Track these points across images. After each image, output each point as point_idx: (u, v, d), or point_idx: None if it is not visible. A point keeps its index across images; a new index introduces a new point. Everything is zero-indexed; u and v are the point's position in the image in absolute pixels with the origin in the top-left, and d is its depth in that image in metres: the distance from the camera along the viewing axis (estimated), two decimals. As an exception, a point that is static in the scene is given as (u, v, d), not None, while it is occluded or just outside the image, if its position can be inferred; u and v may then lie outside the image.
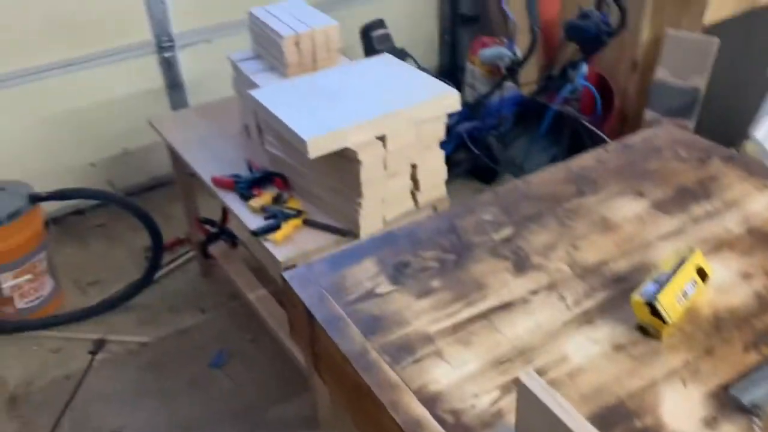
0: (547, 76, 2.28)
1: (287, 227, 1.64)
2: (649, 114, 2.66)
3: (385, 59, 1.82)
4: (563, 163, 1.32)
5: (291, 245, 1.61)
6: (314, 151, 1.46)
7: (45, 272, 2.31)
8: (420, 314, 0.97)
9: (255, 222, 1.68)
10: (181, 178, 2.31)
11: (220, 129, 2.14)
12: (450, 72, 3.66)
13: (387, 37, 2.89)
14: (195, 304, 2.41)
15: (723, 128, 2.81)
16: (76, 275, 2.57)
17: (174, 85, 2.87)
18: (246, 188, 1.78)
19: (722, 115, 2.65)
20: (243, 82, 1.94)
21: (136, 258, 2.64)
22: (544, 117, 2.47)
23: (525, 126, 2.69)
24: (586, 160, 1.33)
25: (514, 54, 2.21)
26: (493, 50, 2.24)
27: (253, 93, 1.65)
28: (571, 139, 2.73)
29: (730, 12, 2.53)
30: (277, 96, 1.65)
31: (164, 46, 2.76)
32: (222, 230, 2.35)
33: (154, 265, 2.37)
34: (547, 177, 1.28)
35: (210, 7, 2.81)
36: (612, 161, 1.31)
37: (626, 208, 1.17)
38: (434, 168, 1.69)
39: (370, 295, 1.01)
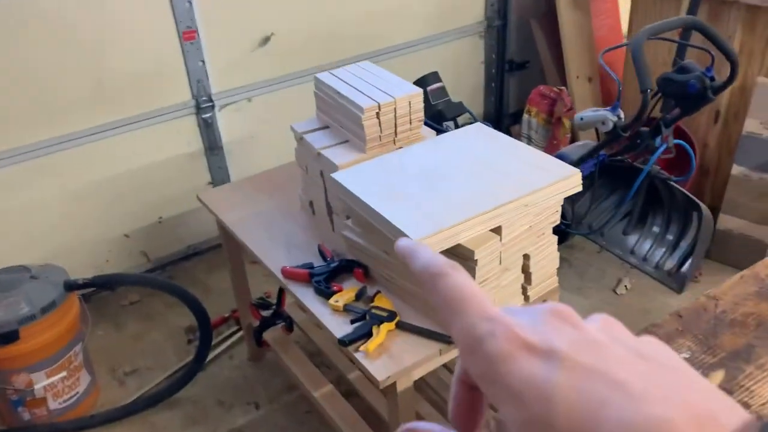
0: (637, 133, 2.05)
1: (380, 333, 1.39)
2: (737, 169, 2.42)
3: (478, 129, 1.59)
4: (749, 271, 1.07)
5: (386, 357, 1.36)
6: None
7: (81, 367, 2.06)
8: None
9: (339, 326, 1.44)
10: (232, 257, 2.07)
11: (278, 205, 1.90)
12: (496, 120, 3.45)
13: (443, 91, 2.68)
14: (247, 396, 2.15)
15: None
16: (112, 363, 2.31)
17: (213, 148, 2.65)
18: (324, 282, 1.54)
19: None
20: (310, 156, 1.72)
21: (176, 341, 2.39)
22: (631, 179, 2.24)
23: (608, 188, 2.47)
24: (771, 264, 1.08)
25: (619, 118, 1.98)
26: (594, 113, 2.01)
27: (338, 178, 1.42)
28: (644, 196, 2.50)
29: (827, 57, 2.31)
30: (363, 179, 1.42)
31: (203, 106, 2.55)
32: (278, 314, 2.10)
33: (201, 354, 2.12)
34: (737, 291, 1.03)
35: (249, 63, 2.61)
36: (807, 267, 1.07)
37: None
38: (547, 257, 1.45)
39: None
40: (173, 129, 2.55)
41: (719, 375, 0.90)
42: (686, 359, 0.93)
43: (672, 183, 2.30)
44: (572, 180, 1.36)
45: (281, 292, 2.08)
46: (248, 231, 1.80)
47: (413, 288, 1.45)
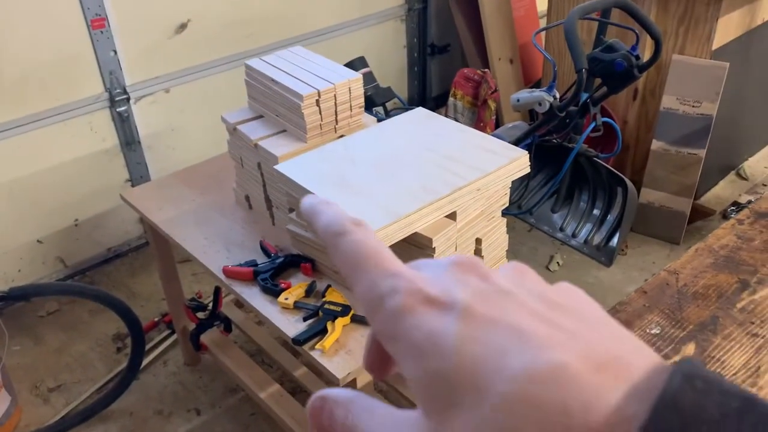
0: (566, 113, 2.08)
1: (335, 329, 1.34)
2: (656, 144, 2.52)
3: (421, 114, 1.56)
4: (702, 244, 1.10)
5: (344, 353, 1.31)
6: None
7: (0, 387, 1.90)
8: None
9: (291, 324, 1.38)
10: (162, 259, 1.95)
11: (211, 201, 1.81)
12: (420, 104, 3.44)
13: (371, 76, 2.64)
14: (186, 403, 2.04)
15: (723, 150, 2.72)
16: (33, 379, 2.14)
17: (130, 143, 2.49)
18: (270, 279, 1.47)
19: (721, 137, 2.55)
20: (245, 148, 1.63)
21: (104, 350, 2.25)
22: (559, 158, 2.28)
23: (535, 167, 2.51)
24: (723, 237, 1.11)
25: (555, 98, 2.00)
26: (530, 94, 2.02)
27: (282, 169, 1.35)
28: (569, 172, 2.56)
29: (734, 35, 2.43)
30: (308, 170, 1.36)
31: (117, 99, 2.39)
32: (215, 315, 2.00)
33: (135, 362, 1.99)
34: (694, 264, 1.05)
35: (165, 52, 2.46)
36: (755, 236, 1.11)
37: (812, 303, 0.96)
38: (497, 239, 1.44)
39: None
40: (85, 124, 2.38)
41: (690, 348, 0.91)
42: (657, 335, 0.93)
43: (597, 160, 2.36)
44: (521, 162, 1.35)
45: (218, 292, 1.99)
46: (181, 230, 1.69)
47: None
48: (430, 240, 1.21)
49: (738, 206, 2.71)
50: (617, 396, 0.21)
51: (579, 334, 0.24)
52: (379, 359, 0.31)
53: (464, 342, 0.24)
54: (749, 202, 2.71)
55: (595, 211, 2.62)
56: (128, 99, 2.42)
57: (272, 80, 1.56)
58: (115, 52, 2.33)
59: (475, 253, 1.40)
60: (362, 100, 1.57)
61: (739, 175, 2.89)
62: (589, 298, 0.27)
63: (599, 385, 0.22)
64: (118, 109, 2.41)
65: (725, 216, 2.68)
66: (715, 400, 0.20)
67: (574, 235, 2.64)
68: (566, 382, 0.22)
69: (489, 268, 0.28)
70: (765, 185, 2.84)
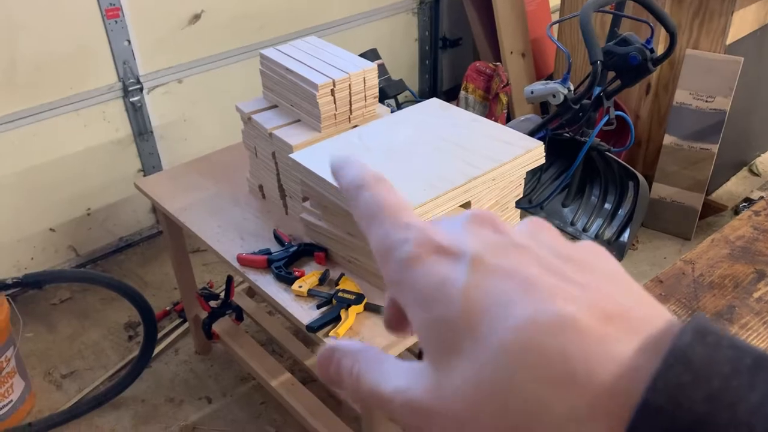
0: (579, 106, 2.08)
1: (349, 317, 1.35)
2: (668, 139, 2.51)
3: (435, 105, 1.56)
4: (718, 234, 1.10)
5: (358, 341, 1.32)
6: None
7: (13, 372, 1.91)
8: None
9: (305, 312, 1.38)
10: (174, 248, 1.96)
11: (224, 191, 1.82)
12: (432, 97, 3.44)
13: (383, 69, 2.64)
14: (198, 391, 2.06)
15: (735, 145, 2.71)
16: (46, 366, 2.16)
17: (143, 133, 2.51)
18: (284, 267, 1.48)
19: (733, 132, 2.54)
20: (260, 138, 1.64)
21: (116, 338, 2.26)
22: (570, 151, 2.28)
23: (546, 161, 2.50)
24: (739, 228, 1.11)
25: (569, 90, 1.99)
26: (544, 86, 2.02)
27: (298, 158, 1.36)
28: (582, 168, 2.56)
29: (749, 30, 2.42)
30: (323, 159, 1.36)
31: (131, 89, 2.40)
32: (227, 304, 2.01)
33: (147, 350, 2.01)
34: (710, 254, 1.05)
35: (179, 42, 2.47)
36: (772, 227, 1.11)
37: (829, 293, 0.96)
38: (510, 231, 1.45)
39: None
40: (99, 114, 2.39)
41: (707, 337, 0.91)
42: (673, 324, 0.93)
43: (609, 154, 2.36)
44: (536, 152, 1.35)
45: (230, 281, 2.00)
46: (195, 219, 1.70)
47: (377, 268, 1.41)
48: (445, 229, 1.22)
49: (750, 202, 2.70)
50: (625, 348, 0.21)
51: (590, 288, 0.23)
52: (397, 316, 0.31)
53: (470, 290, 0.24)
54: (761, 198, 2.70)
55: (607, 206, 2.61)
56: (141, 89, 2.43)
57: (287, 69, 1.56)
58: (129, 42, 2.34)
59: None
60: (377, 90, 1.58)
61: (751, 171, 2.87)
62: (610, 256, 0.26)
63: (605, 336, 0.22)
64: (131, 99, 2.42)
65: (737, 212, 2.67)
66: (726, 355, 0.20)
67: (584, 230, 2.64)
68: (570, 332, 0.22)
69: (505, 222, 0.28)
70: (777, 181, 2.83)
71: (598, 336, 0.22)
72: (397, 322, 0.32)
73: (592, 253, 0.26)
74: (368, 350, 0.28)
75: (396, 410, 0.25)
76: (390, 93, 2.61)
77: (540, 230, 0.28)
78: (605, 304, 0.23)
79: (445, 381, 0.24)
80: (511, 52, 2.98)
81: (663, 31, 2.16)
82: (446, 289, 0.24)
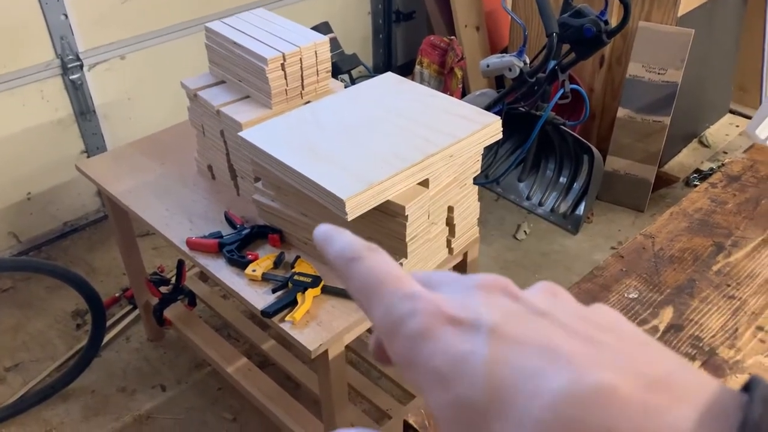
0: (534, 80, 2.06)
1: (305, 300, 1.31)
2: (622, 112, 2.52)
3: (390, 79, 1.52)
4: (677, 207, 1.09)
5: (315, 324, 1.28)
6: (354, 211, 1.14)
7: (-48, 368, 1.82)
8: None
9: (259, 296, 1.34)
10: (121, 232, 1.88)
11: (171, 171, 1.74)
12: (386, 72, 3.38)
13: (336, 43, 2.57)
14: (151, 379, 1.99)
15: (686, 117, 2.74)
16: (-12, 359, 2.06)
17: (84, 113, 2.39)
18: (236, 251, 1.42)
19: (685, 104, 2.57)
20: (207, 115, 1.57)
21: (62, 327, 2.17)
22: (525, 126, 2.26)
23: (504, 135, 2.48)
24: (697, 200, 1.11)
25: (525, 63, 1.96)
26: (499, 59, 1.98)
27: (248, 137, 1.30)
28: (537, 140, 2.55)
29: (700, 2, 2.43)
30: (276, 137, 1.30)
31: (70, 66, 2.28)
32: (179, 289, 1.95)
33: (96, 339, 1.93)
34: (669, 228, 1.04)
35: (120, 17, 2.35)
36: (729, 200, 1.10)
37: (786, 265, 0.96)
38: (469, 207, 1.42)
39: None
40: (36, 93, 2.27)
41: (668, 312, 0.90)
42: (635, 299, 0.93)
43: (563, 128, 2.36)
44: (493, 127, 1.32)
45: (181, 265, 1.93)
46: (141, 202, 1.63)
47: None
48: (403, 208, 1.18)
49: (700, 173, 2.74)
50: (679, 420, 0.19)
51: (622, 351, 0.22)
52: (386, 355, 0.29)
53: (493, 365, 0.22)
54: (711, 169, 2.75)
55: (562, 180, 2.62)
56: (81, 66, 2.31)
57: (234, 43, 1.49)
58: (66, 16, 2.22)
59: (447, 222, 1.38)
60: (329, 64, 1.52)
61: (701, 142, 2.92)
62: (625, 318, 0.25)
63: (651, 406, 0.19)
64: (70, 77, 2.30)
65: (688, 183, 2.71)
66: None
67: (540, 204, 2.64)
68: (613, 403, 0.19)
69: (515, 286, 0.25)
70: (726, 152, 2.88)
71: (644, 406, 0.19)
72: (388, 359, 0.29)
73: (610, 316, 0.25)
74: None
75: None
76: (343, 68, 2.55)
77: (555, 295, 0.26)
78: (642, 369, 0.21)
79: None
80: (466, 26, 2.94)
81: (616, 2, 2.15)
82: (466, 366, 0.22)
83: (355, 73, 2.74)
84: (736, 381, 0.80)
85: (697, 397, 0.20)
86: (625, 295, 0.92)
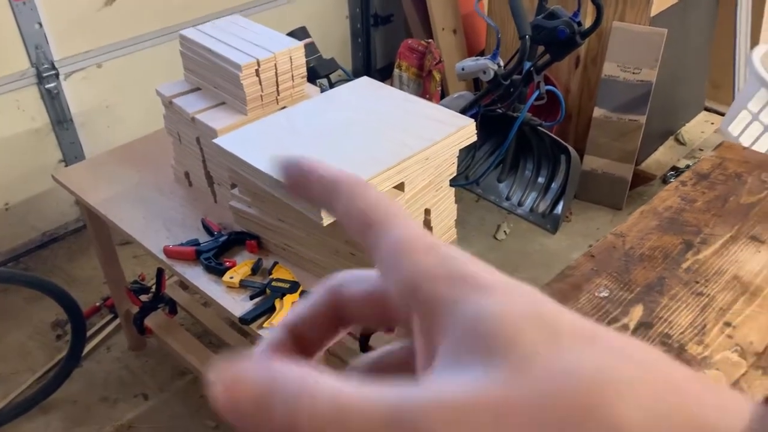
0: (510, 82, 2.07)
1: (284, 306, 1.31)
2: (598, 111, 2.55)
3: (366, 84, 1.52)
4: (647, 206, 1.10)
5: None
6: (329, 216, 1.14)
7: (-71, 382, 1.80)
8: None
9: (237, 303, 1.34)
10: (100, 241, 1.87)
11: (148, 180, 1.74)
12: (365, 76, 3.39)
13: (313, 47, 2.57)
14: (133, 389, 1.98)
15: (662, 116, 2.78)
16: (-34, 373, 2.04)
17: (61, 122, 2.37)
18: (213, 258, 1.42)
19: (660, 103, 2.60)
20: (183, 122, 1.57)
21: (42, 338, 2.15)
22: (503, 127, 2.28)
23: (480, 138, 2.50)
24: (667, 198, 1.12)
25: (500, 66, 1.98)
26: (474, 62, 2.00)
27: (222, 143, 1.30)
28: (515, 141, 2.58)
29: (672, 2, 2.47)
30: (251, 143, 1.31)
31: (45, 75, 2.26)
32: (159, 298, 1.94)
33: (76, 349, 1.92)
34: (640, 226, 1.06)
35: (95, 24, 2.34)
36: (698, 197, 1.12)
37: (753, 262, 0.98)
38: (445, 210, 1.43)
39: None
40: (11, 103, 2.25)
41: (638, 310, 0.92)
42: (606, 297, 0.94)
43: (540, 129, 2.38)
44: (467, 130, 1.33)
45: (160, 273, 1.93)
46: (118, 211, 1.62)
47: (312, 255, 1.38)
48: (378, 211, 1.19)
49: (677, 171, 2.78)
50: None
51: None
52: (321, 320, 0.26)
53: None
54: (687, 166, 2.78)
55: (540, 180, 2.64)
56: (57, 75, 2.30)
57: (209, 50, 1.49)
58: (41, 25, 2.20)
59: (424, 225, 1.39)
60: (304, 69, 1.53)
61: (677, 140, 2.96)
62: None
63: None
64: (46, 86, 2.28)
65: (665, 180, 2.74)
66: None
67: (520, 204, 2.66)
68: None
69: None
70: (702, 150, 2.92)
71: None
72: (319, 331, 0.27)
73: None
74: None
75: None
76: (322, 72, 2.55)
77: None
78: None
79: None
80: (443, 29, 2.95)
81: (590, 4, 2.17)
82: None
83: (334, 77, 2.74)
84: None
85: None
86: (596, 294, 0.93)
